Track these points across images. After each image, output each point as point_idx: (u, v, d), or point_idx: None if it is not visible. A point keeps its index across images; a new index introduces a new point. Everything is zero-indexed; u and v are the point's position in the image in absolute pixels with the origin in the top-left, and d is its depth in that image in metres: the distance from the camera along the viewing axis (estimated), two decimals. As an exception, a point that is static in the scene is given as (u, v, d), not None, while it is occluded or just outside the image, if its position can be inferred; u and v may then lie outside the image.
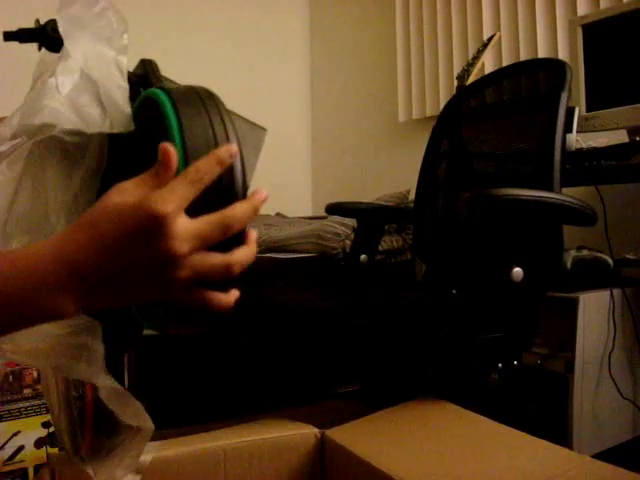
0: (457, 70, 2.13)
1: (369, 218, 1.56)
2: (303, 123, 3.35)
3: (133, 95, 0.61)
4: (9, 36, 0.72)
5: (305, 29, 3.35)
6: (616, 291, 1.44)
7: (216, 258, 0.46)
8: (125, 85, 0.59)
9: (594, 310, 1.40)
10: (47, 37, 0.68)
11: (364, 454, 0.90)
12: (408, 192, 2.29)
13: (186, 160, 0.46)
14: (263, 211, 2.49)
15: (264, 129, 0.74)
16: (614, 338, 1.42)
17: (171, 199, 0.43)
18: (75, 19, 0.62)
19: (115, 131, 0.55)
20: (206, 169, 0.46)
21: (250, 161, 0.70)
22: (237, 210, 0.48)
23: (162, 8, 2.86)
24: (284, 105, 3.28)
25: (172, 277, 0.44)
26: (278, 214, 3.07)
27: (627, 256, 1.54)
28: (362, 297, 1.35)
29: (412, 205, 1.61)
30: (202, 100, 0.49)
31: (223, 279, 0.47)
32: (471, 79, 1.81)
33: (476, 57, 1.89)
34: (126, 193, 0.44)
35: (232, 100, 2.71)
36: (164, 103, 0.49)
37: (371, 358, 1.25)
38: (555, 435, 1.07)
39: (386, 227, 2.16)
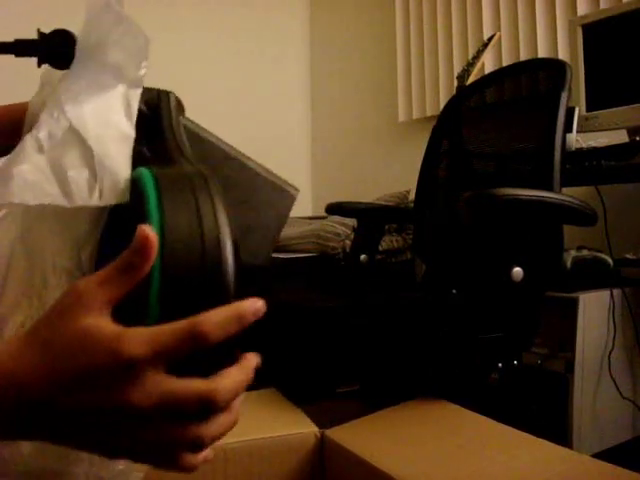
0: (457, 70, 2.14)
1: (369, 218, 1.56)
2: (303, 123, 3.35)
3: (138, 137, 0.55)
4: (3, 49, 0.63)
5: (305, 29, 3.35)
6: (616, 291, 1.44)
7: (191, 385, 0.35)
8: (130, 133, 0.47)
9: (594, 310, 1.40)
10: (51, 51, 0.59)
11: (364, 454, 0.90)
12: (408, 192, 2.29)
13: (162, 259, 0.38)
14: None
15: (294, 192, 0.61)
16: (614, 338, 1.42)
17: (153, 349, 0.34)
18: (94, 37, 0.53)
19: (103, 204, 0.45)
20: (221, 324, 0.35)
21: (270, 233, 0.61)
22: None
23: (162, 7, 2.86)
24: (284, 105, 3.28)
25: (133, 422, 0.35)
26: (278, 214, 3.07)
27: (627, 256, 1.54)
28: (362, 297, 1.35)
29: (412, 205, 1.61)
30: (194, 189, 0.41)
31: (202, 414, 0.36)
32: (471, 79, 1.81)
33: (476, 57, 1.90)
34: (91, 311, 0.35)
35: (232, 100, 2.73)
36: (147, 189, 0.41)
37: (371, 358, 1.25)
38: (555, 435, 1.07)
39: (386, 227, 2.16)
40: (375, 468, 0.86)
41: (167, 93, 0.57)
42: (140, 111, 0.51)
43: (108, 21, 0.52)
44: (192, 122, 0.58)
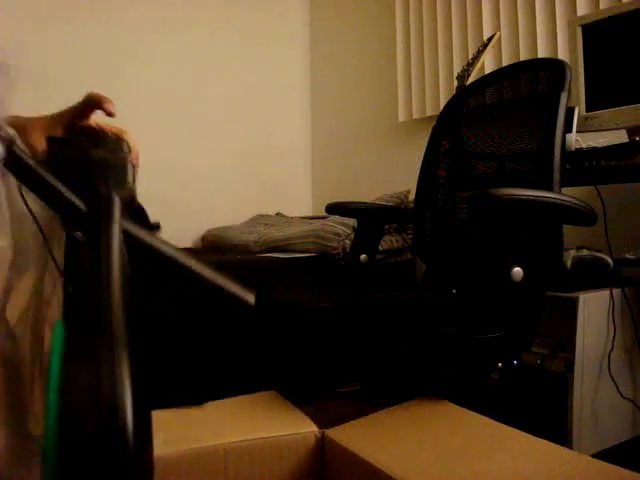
0: (457, 70, 2.14)
1: (369, 218, 1.56)
2: (303, 123, 3.36)
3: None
4: None
5: (305, 29, 3.35)
6: (616, 291, 1.44)
7: None
8: None
9: (594, 310, 1.40)
10: None
11: (364, 453, 0.90)
12: (408, 192, 2.29)
13: (60, 433, 0.38)
14: (263, 211, 2.51)
15: (250, 300, 0.62)
16: (614, 338, 1.42)
17: None
18: None
19: None
20: None
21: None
22: None
23: (162, 6, 2.86)
24: (284, 105, 3.28)
25: None
26: (278, 214, 3.08)
27: (627, 256, 1.54)
28: (362, 297, 1.35)
29: (412, 205, 1.61)
30: (99, 359, 0.41)
31: None
32: (471, 79, 1.81)
33: (476, 57, 1.90)
34: None
35: (232, 101, 2.72)
36: (56, 341, 0.42)
37: (371, 358, 1.25)
38: (555, 435, 1.08)
39: (386, 227, 2.16)
40: (375, 468, 0.86)
41: (114, 195, 0.55)
42: (78, 209, 0.52)
43: None
44: (133, 227, 0.57)
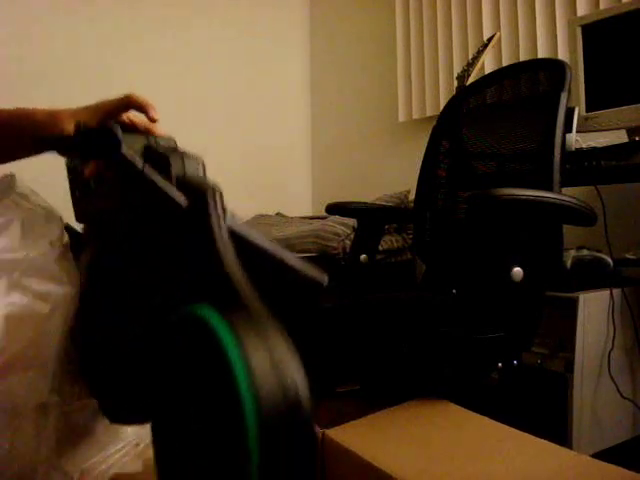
0: (457, 70, 2.14)
1: (369, 218, 1.56)
2: (303, 123, 3.36)
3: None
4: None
5: (305, 29, 3.35)
6: (616, 291, 1.44)
7: None
8: None
9: (594, 310, 1.40)
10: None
11: (364, 454, 0.90)
12: (408, 192, 2.29)
13: (259, 416, 0.38)
14: (263, 211, 2.51)
15: (324, 281, 0.61)
16: (614, 338, 1.42)
17: None
18: None
19: None
20: None
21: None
22: None
23: (162, 6, 2.86)
24: (284, 105, 3.28)
25: None
26: (278, 214, 3.08)
27: (627, 256, 1.54)
28: (362, 297, 1.35)
29: (412, 205, 1.61)
30: (267, 337, 0.41)
31: None
32: (471, 79, 1.81)
33: (476, 57, 1.90)
34: None
35: (232, 101, 2.72)
36: (222, 338, 0.40)
37: (371, 358, 1.25)
38: (555, 435, 1.08)
39: (386, 227, 2.16)
40: (376, 468, 0.86)
41: (216, 191, 0.55)
42: (179, 207, 0.51)
43: None
44: (233, 219, 0.57)
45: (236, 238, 0.54)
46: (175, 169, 0.57)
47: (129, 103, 0.71)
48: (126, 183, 0.54)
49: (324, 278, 0.61)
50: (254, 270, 0.48)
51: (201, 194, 0.53)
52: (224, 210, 0.54)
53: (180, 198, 0.53)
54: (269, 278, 0.57)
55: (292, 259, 0.59)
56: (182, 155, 0.58)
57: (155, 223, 0.54)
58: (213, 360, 0.40)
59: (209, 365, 0.41)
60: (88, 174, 0.64)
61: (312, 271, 0.60)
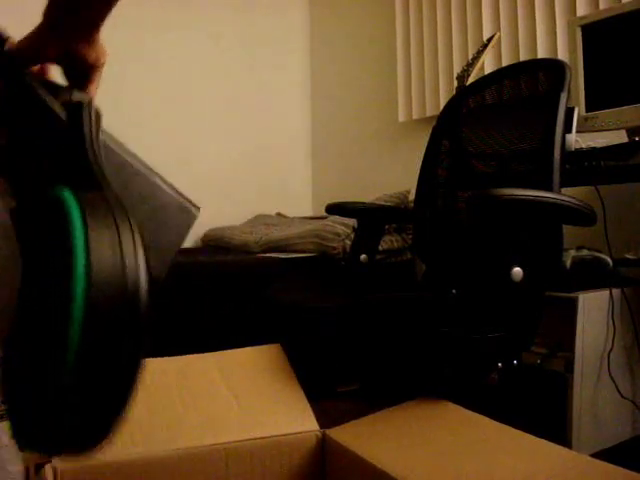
0: (457, 70, 2.14)
1: (369, 218, 1.56)
2: (303, 123, 3.36)
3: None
4: None
5: (305, 29, 3.36)
6: (615, 291, 1.44)
7: None
8: None
9: (593, 310, 1.40)
10: None
11: (365, 453, 0.90)
12: (408, 192, 2.29)
13: (86, 297, 0.39)
14: (263, 211, 2.51)
15: (196, 212, 0.63)
16: (613, 338, 1.42)
17: None
18: None
19: None
20: None
21: (169, 240, 0.63)
22: None
23: (161, 7, 2.86)
24: (284, 105, 3.29)
25: None
26: (278, 214, 3.08)
27: (626, 256, 1.54)
28: (362, 297, 1.35)
29: (412, 205, 1.61)
30: (117, 225, 0.42)
31: None
32: (471, 79, 1.81)
33: (476, 57, 1.90)
34: None
35: (233, 101, 2.72)
36: (72, 217, 0.41)
37: (371, 358, 1.26)
38: (555, 435, 1.08)
39: (386, 227, 2.17)
40: (376, 467, 0.86)
41: (89, 105, 0.56)
42: (58, 119, 0.52)
43: None
44: (106, 134, 0.58)
45: (109, 151, 0.56)
46: (62, 95, 0.56)
47: None
48: (8, 88, 0.53)
49: (197, 209, 0.63)
50: (123, 185, 0.49)
51: (78, 107, 0.54)
52: (98, 127, 0.55)
53: (61, 112, 0.53)
54: (137, 195, 0.59)
55: (165, 183, 0.61)
56: (72, 92, 0.58)
57: (33, 133, 0.54)
58: (59, 237, 0.41)
59: (55, 239, 0.42)
60: None
61: (185, 200, 0.63)
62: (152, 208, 0.61)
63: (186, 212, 0.66)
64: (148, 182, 0.61)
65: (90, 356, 0.38)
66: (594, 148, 1.42)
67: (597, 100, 1.50)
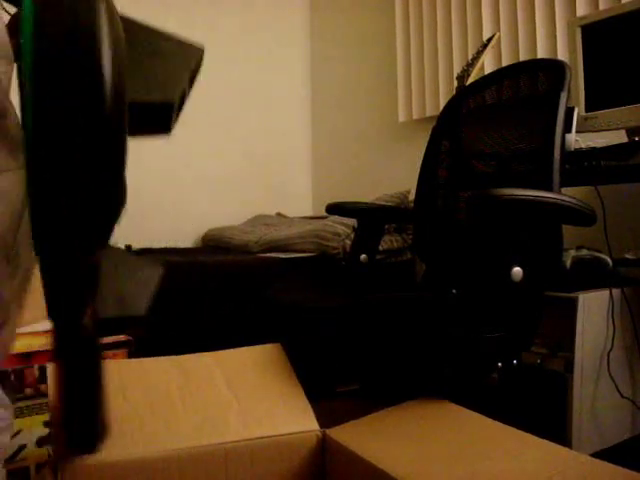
0: (457, 70, 2.14)
1: (369, 218, 1.56)
2: (303, 123, 3.36)
3: None
4: None
5: (305, 30, 3.36)
6: (615, 291, 1.44)
7: None
8: None
9: (593, 310, 1.40)
10: None
11: (365, 453, 0.90)
12: (408, 192, 2.29)
13: (36, 48, 0.37)
14: (263, 211, 2.51)
15: (201, 46, 0.62)
16: (613, 337, 1.43)
17: None
18: None
19: None
20: None
21: (177, 75, 0.62)
22: None
23: (160, 5, 2.86)
24: (284, 106, 3.28)
25: None
26: (278, 214, 3.08)
27: (626, 256, 1.54)
28: (362, 297, 1.35)
29: (412, 205, 1.61)
30: None
31: None
32: (471, 79, 1.81)
33: (476, 57, 1.90)
34: None
35: (233, 101, 2.72)
36: None
37: (371, 358, 1.26)
38: (555, 434, 1.08)
39: (386, 227, 2.17)
40: (376, 467, 0.86)
41: None
42: None
43: None
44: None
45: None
46: None
47: None
48: None
49: (201, 45, 0.62)
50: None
51: None
52: None
53: None
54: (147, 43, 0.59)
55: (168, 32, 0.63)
56: None
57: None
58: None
59: None
60: None
61: (189, 41, 0.64)
62: (156, 46, 0.64)
63: (191, 47, 0.66)
64: (151, 32, 0.64)
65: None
66: (594, 148, 1.42)
67: (597, 100, 1.50)
